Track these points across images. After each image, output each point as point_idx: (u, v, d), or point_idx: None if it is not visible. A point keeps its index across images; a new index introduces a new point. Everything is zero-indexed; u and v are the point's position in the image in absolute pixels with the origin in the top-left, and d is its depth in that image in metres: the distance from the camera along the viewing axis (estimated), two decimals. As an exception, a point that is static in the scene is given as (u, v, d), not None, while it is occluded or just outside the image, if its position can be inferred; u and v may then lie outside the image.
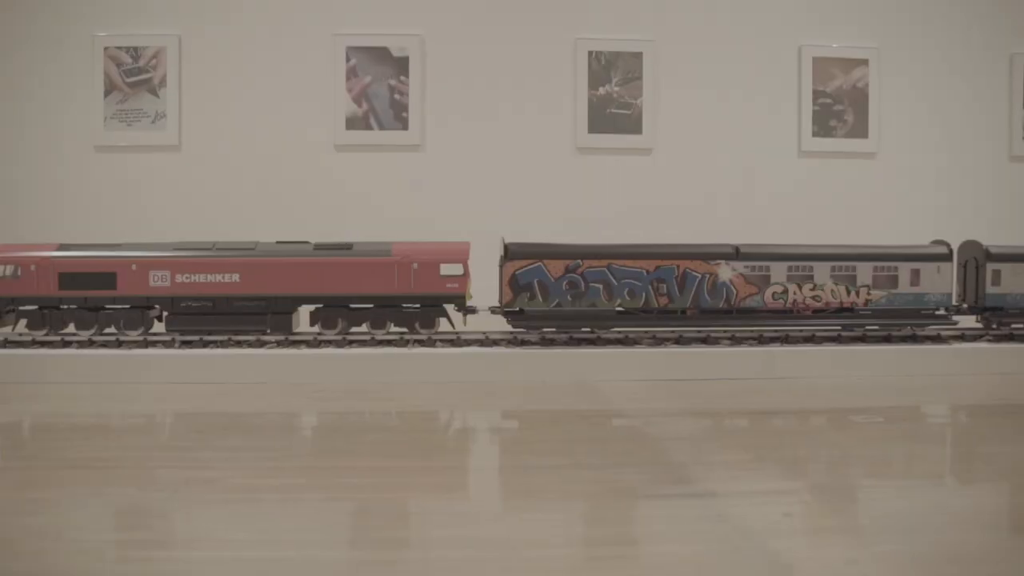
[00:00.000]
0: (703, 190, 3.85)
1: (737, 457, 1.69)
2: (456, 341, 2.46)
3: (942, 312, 2.61)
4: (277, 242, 2.50)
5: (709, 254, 2.51)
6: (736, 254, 2.52)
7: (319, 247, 2.46)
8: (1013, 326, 2.65)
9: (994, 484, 1.57)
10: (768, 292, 2.52)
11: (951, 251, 2.62)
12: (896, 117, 3.94)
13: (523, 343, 2.47)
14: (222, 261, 2.41)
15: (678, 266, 2.49)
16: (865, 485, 1.53)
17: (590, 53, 3.83)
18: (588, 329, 2.51)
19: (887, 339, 2.58)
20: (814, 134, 3.92)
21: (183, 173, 3.73)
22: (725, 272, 2.51)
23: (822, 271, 2.54)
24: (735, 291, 2.51)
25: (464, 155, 3.78)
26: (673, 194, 3.83)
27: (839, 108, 3.91)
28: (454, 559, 1.13)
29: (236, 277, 2.41)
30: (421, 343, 2.45)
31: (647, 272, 2.48)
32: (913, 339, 2.59)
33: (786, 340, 2.54)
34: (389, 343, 2.45)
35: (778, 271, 2.52)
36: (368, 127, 3.77)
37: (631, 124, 3.85)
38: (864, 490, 1.49)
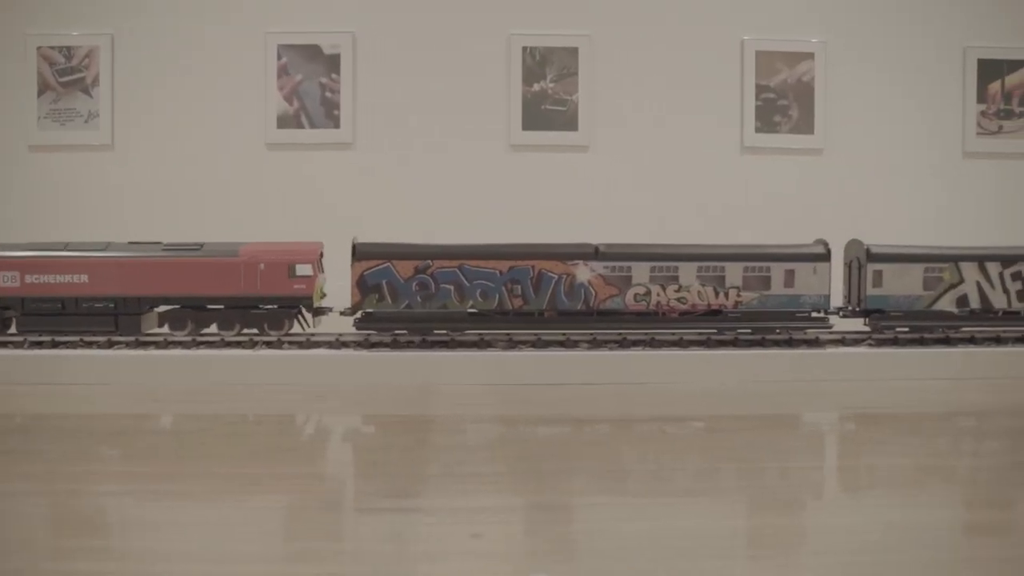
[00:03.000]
0: (641, 188, 3.77)
1: (493, 469, 1.63)
2: (304, 343, 2.41)
3: (819, 315, 2.50)
4: (129, 242, 2.47)
5: (566, 254, 2.43)
6: (595, 254, 2.43)
7: (168, 247, 2.43)
8: (898, 329, 2.52)
9: (743, 502, 1.47)
10: (630, 293, 2.43)
11: (828, 251, 2.50)
12: (844, 112, 3.81)
13: (373, 345, 2.41)
14: (70, 262, 2.40)
15: (533, 267, 2.41)
16: (596, 503, 1.45)
17: (524, 49, 3.77)
18: (442, 331, 2.44)
19: (760, 343, 2.47)
20: (757, 130, 3.81)
21: (116, 172, 3.75)
22: (583, 273, 2.42)
23: (687, 272, 2.44)
24: (594, 292, 2.42)
25: (396, 153, 3.75)
26: (610, 192, 3.75)
27: (783, 103, 3.79)
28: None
29: (84, 278, 2.39)
30: (269, 345, 2.41)
31: (500, 273, 2.41)
32: (788, 343, 2.47)
33: (650, 344, 2.45)
34: (238, 345, 2.41)
35: (640, 272, 2.43)
36: (299, 125, 3.75)
37: (566, 121, 3.78)
38: (587, 509, 1.41)
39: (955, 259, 2.51)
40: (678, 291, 2.44)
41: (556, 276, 2.42)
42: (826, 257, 2.48)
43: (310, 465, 1.68)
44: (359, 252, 2.41)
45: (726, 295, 2.45)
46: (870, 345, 2.50)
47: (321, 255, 2.51)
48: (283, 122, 3.75)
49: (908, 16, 3.79)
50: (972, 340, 2.54)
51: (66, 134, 3.73)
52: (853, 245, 2.58)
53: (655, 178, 3.76)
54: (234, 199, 3.69)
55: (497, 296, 2.42)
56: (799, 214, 3.63)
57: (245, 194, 3.69)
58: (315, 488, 1.52)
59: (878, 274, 2.49)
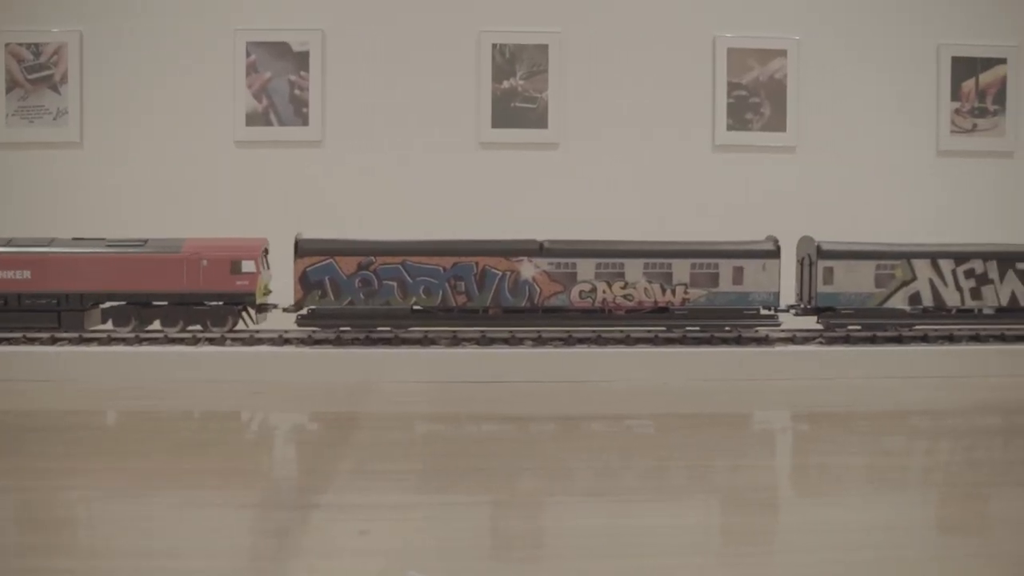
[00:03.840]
0: (611, 187, 3.74)
1: (407, 467, 1.61)
2: (248, 340, 2.40)
3: (768, 312, 2.47)
4: (73, 238, 2.46)
5: (510, 250, 2.41)
6: (540, 250, 2.41)
7: (112, 243, 2.42)
8: (849, 327, 2.49)
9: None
10: (575, 291, 2.41)
11: (778, 247, 2.47)
12: (817, 110, 3.77)
13: (317, 342, 2.39)
14: (12, 258, 2.39)
15: (477, 263, 2.39)
16: (504, 500, 1.42)
17: (494, 46, 3.74)
18: (386, 328, 2.42)
19: (708, 341, 2.44)
20: (729, 127, 3.77)
21: (85, 170, 3.73)
22: (528, 269, 2.40)
23: (634, 269, 2.42)
24: (539, 289, 2.40)
25: (364, 151, 3.72)
26: (580, 191, 3.72)
27: (755, 101, 3.75)
28: None
29: (27, 274, 2.38)
30: (212, 342, 2.39)
31: (444, 270, 2.39)
32: (737, 341, 2.45)
33: (597, 341, 2.42)
34: (181, 341, 2.39)
35: (585, 268, 2.41)
36: (268, 123, 3.73)
37: (536, 119, 3.75)
38: (485, 507, 1.39)
39: (907, 256, 2.48)
40: (624, 288, 2.42)
41: (500, 273, 2.40)
42: (775, 254, 2.46)
43: (225, 461, 1.66)
44: (301, 248, 2.40)
45: (673, 292, 2.43)
46: (821, 343, 2.47)
47: (266, 251, 2.49)
48: (252, 119, 3.73)
49: (881, 14, 3.76)
50: (925, 338, 2.51)
51: (34, 131, 3.72)
52: (804, 242, 2.55)
53: (625, 176, 3.73)
54: (203, 196, 3.68)
55: (441, 293, 2.40)
56: (771, 212, 3.58)
57: (214, 191, 3.68)
58: (216, 484, 1.49)
59: (829, 271, 2.46)
